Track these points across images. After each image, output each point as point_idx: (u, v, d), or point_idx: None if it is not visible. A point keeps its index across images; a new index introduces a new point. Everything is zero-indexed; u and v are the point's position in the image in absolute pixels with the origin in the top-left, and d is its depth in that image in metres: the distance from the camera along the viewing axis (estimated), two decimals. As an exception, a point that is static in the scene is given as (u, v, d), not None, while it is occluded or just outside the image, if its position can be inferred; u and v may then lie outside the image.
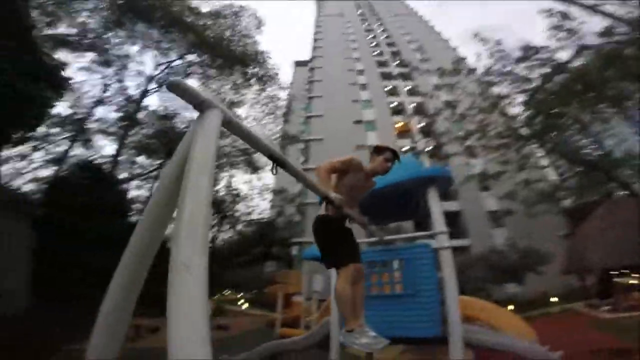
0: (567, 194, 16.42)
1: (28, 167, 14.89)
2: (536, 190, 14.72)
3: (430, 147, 17.25)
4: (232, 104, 18.58)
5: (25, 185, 14.99)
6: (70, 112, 16.16)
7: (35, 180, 15.47)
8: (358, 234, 3.70)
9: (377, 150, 2.45)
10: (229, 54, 17.00)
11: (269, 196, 24.00)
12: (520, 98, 12.31)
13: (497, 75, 12.40)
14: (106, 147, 18.81)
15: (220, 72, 17.68)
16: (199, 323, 0.84)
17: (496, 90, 13.34)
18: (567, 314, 12.11)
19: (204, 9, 19.00)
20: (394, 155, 2.39)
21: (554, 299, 14.95)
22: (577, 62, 11.20)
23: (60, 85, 5.36)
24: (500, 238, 19.85)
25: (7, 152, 12.78)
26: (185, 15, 17.74)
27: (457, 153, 14.74)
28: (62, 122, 15.46)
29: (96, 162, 13.66)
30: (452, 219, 23.56)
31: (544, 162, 15.75)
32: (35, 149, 15.17)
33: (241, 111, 19.25)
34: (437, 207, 3.22)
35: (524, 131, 12.43)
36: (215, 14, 18.76)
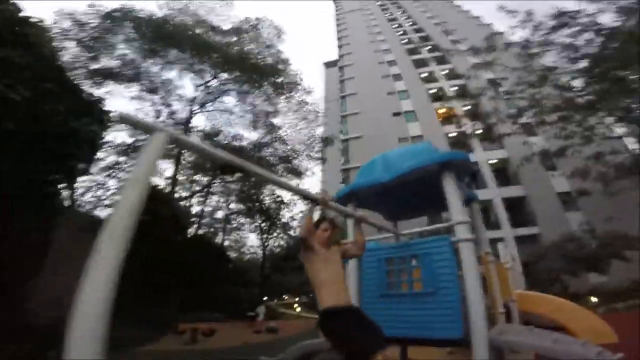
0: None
1: (106, 194, 17.16)
2: (613, 164, 12.57)
3: (480, 130, 15.79)
4: (268, 114, 19.36)
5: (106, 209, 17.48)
6: (133, 140, 18.36)
7: (110, 205, 17.99)
8: (370, 231, 3.52)
9: (315, 223, 2.37)
10: (251, 67, 17.68)
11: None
12: (572, 67, 10.77)
13: (538, 46, 11.13)
14: (167, 169, 20.98)
15: (252, 86, 18.46)
16: (95, 323, 0.94)
17: (542, 62, 12.01)
18: None
19: (226, 26, 20.07)
20: (331, 223, 2.40)
21: None
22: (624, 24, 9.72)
23: (102, 119, 6.06)
24: (576, 223, 17.38)
25: (83, 184, 14.87)
26: (208, 36, 18.91)
27: (512, 132, 13.28)
28: (126, 150, 17.62)
29: (152, 183, 15.21)
30: (517, 204, 21.33)
31: (619, 132, 13.40)
32: (110, 176, 17.51)
33: (277, 120, 19.91)
34: (454, 195, 2.86)
35: (583, 101, 10.81)
36: (237, 30, 19.69)
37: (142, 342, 7.55)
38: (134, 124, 1.34)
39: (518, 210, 21.70)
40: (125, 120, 1.30)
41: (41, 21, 5.73)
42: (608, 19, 10.11)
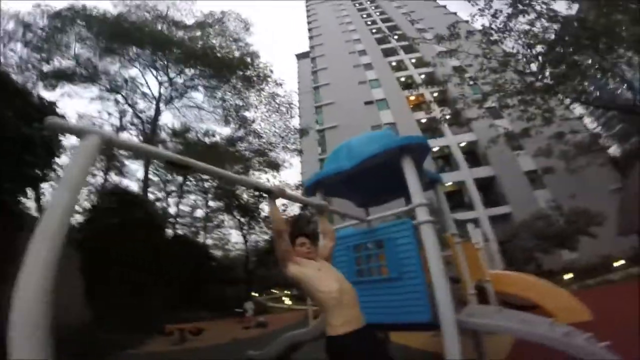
0: (610, 142, 14.89)
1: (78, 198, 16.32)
2: (573, 143, 13.40)
3: (448, 115, 16.32)
4: (239, 108, 18.95)
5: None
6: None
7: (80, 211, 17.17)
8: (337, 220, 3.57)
9: (291, 238, 2.11)
10: (215, 61, 17.24)
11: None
12: (530, 52, 11.33)
13: (497, 32, 11.60)
14: (138, 171, 20.14)
15: (219, 80, 17.98)
16: (37, 323, 0.98)
17: (503, 48, 12.53)
18: (630, 281, 10.88)
19: (189, 21, 19.34)
20: (306, 236, 2.16)
21: (618, 264, 13.53)
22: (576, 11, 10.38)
23: None
24: (543, 200, 18.41)
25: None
26: (170, 32, 18.14)
27: (479, 116, 13.79)
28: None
29: (123, 186, 14.83)
30: (488, 185, 22.31)
31: (578, 113, 14.39)
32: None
33: (249, 114, 19.55)
34: (413, 178, 2.94)
35: (541, 84, 11.43)
36: (201, 25, 19.05)
37: (127, 346, 7.43)
38: (64, 129, 1.31)
39: (490, 190, 22.74)
40: (52, 126, 1.25)
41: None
42: (563, 6, 10.66)
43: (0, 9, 14.26)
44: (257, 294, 23.69)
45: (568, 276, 13.74)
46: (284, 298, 34.19)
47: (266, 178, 19.91)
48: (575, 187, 17.73)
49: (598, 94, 13.30)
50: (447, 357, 2.38)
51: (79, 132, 1.30)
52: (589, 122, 15.35)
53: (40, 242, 1.03)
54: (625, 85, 11.04)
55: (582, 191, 17.56)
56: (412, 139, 3.06)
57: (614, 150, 17.31)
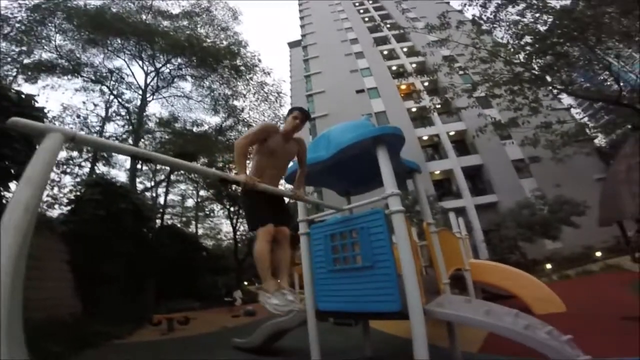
0: (595, 132, 15.13)
1: (62, 192, 15.98)
2: (559, 132, 13.59)
3: (438, 104, 16.35)
4: (228, 98, 18.64)
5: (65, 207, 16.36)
6: (84, 133, 17.06)
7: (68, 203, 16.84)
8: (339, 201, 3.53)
9: (289, 112, 2.56)
10: (201, 51, 16.92)
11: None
12: (518, 42, 11.36)
13: (486, 23, 11.58)
14: (127, 161, 19.79)
15: (206, 70, 17.66)
16: (3, 315, 0.97)
17: (492, 38, 12.54)
18: (609, 272, 11.24)
19: (176, 10, 18.83)
20: (302, 112, 2.54)
21: (599, 254, 13.94)
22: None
23: (35, 116, 5.56)
24: (529, 189, 18.76)
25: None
26: (157, 22, 17.64)
27: (469, 106, 13.82)
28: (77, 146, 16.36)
29: (111, 176, 14.58)
30: (476, 173, 22.61)
31: (565, 103, 14.57)
32: (64, 173, 16.30)
33: (238, 103, 19.28)
34: (386, 168, 2.96)
35: (529, 75, 11.52)
36: (188, 14, 18.55)
37: (116, 336, 7.51)
38: (26, 128, 1.30)
39: (478, 179, 23.07)
40: (15, 125, 1.26)
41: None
42: None
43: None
44: (247, 283, 23.87)
45: (548, 266, 14.12)
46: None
47: None
48: (561, 177, 18.12)
49: (587, 85, 13.43)
50: (414, 346, 2.44)
51: (41, 131, 1.31)
52: (577, 113, 15.57)
53: (3, 237, 1.04)
54: (612, 77, 11.16)
55: (568, 181, 17.99)
56: (386, 129, 3.06)
57: (599, 140, 17.67)
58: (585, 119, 14.68)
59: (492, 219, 17.85)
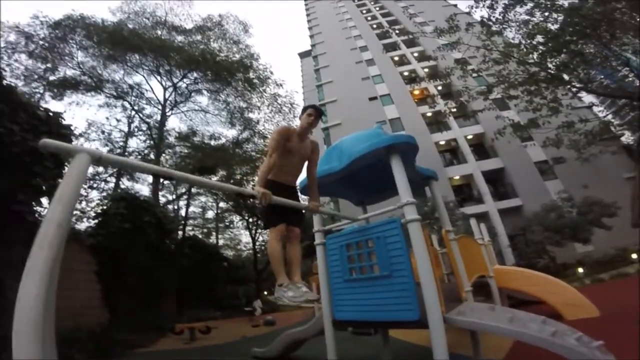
0: (621, 129, 14.42)
1: (90, 206, 16.75)
2: (582, 132, 13.05)
3: (454, 108, 16.09)
4: (243, 110, 19.14)
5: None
6: (108, 149, 17.91)
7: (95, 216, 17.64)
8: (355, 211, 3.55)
9: (303, 110, 2.69)
10: (214, 65, 17.38)
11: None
12: (530, 42, 11.10)
13: (494, 24, 11.42)
14: (150, 176, 20.53)
15: (221, 84, 18.19)
16: (35, 323, 1.04)
17: (503, 39, 12.34)
18: None
19: (188, 25, 19.52)
20: (316, 109, 2.63)
21: (634, 256, 13.11)
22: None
23: (62, 134, 5.93)
24: (555, 191, 18.00)
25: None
26: (171, 36, 18.34)
27: (485, 108, 13.56)
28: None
29: (135, 190, 15.21)
30: (497, 177, 21.95)
31: (586, 101, 14.00)
32: (92, 188, 17.09)
33: (253, 115, 19.74)
34: (401, 177, 2.96)
35: (544, 74, 11.20)
36: (200, 29, 19.22)
37: (140, 345, 7.78)
38: (56, 149, 1.40)
39: (499, 182, 22.38)
40: (45, 147, 1.36)
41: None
42: None
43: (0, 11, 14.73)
44: (266, 293, 23.99)
45: (581, 270, 13.43)
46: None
47: None
48: (588, 177, 17.29)
49: (608, 82, 12.87)
50: (435, 356, 2.41)
51: (70, 152, 1.40)
52: (600, 111, 14.89)
53: (38, 252, 1.14)
54: (632, 73, 10.68)
55: (595, 181, 17.13)
56: (398, 137, 3.08)
57: (626, 138, 16.78)
58: (609, 116, 14.00)
59: (517, 224, 17.22)
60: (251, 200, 2.63)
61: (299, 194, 3.42)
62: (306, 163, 2.82)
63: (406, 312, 2.69)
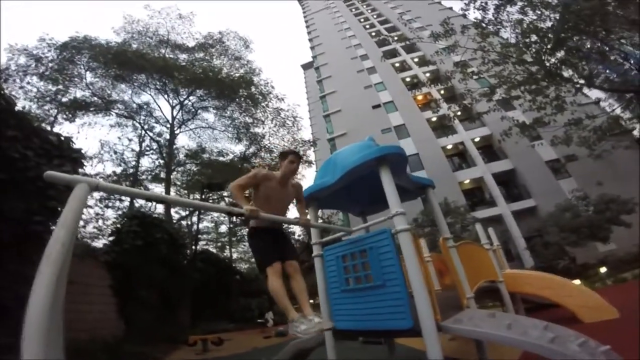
0: (632, 123, 14.01)
1: (106, 224, 17.18)
2: (591, 128, 12.76)
3: (458, 111, 16.02)
4: (248, 126, 19.52)
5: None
6: (121, 169, 18.52)
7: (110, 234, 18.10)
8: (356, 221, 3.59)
9: (281, 156, 2.67)
10: (216, 82, 17.76)
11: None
12: (527, 41, 11.04)
13: (487, 25, 11.45)
14: (162, 193, 21.03)
15: (225, 100, 18.61)
16: (44, 328, 1.15)
17: (499, 40, 12.33)
18: None
19: (190, 43, 20.07)
20: (296, 155, 2.67)
21: None
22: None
23: (73, 158, 6.21)
24: (569, 189, 17.50)
25: (83, 217, 15.01)
26: (175, 55, 18.83)
27: (490, 110, 13.48)
28: (117, 180, 17.76)
29: (145, 209, 15.66)
30: (508, 179, 21.52)
31: (592, 97, 13.73)
32: (107, 207, 17.62)
33: (259, 130, 20.10)
34: (390, 188, 3.02)
35: (543, 73, 11.11)
36: (202, 46, 19.79)
37: (155, 357, 7.93)
38: (59, 181, 1.53)
39: (511, 184, 21.93)
40: (50, 178, 1.51)
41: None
42: None
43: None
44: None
45: (603, 270, 12.91)
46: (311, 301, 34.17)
47: None
48: (603, 174, 16.77)
49: (613, 76, 12.66)
50: (429, 364, 2.39)
51: (70, 182, 1.52)
52: (607, 105, 14.52)
53: (45, 268, 1.27)
54: (636, 66, 10.48)
55: (610, 177, 16.59)
56: (387, 149, 3.14)
57: (638, 131, 16.24)
58: (618, 110, 13.63)
59: (533, 225, 16.76)
60: (239, 218, 2.72)
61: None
62: (295, 205, 2.88)
63: (399, 320, 2.71)
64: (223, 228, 30.13)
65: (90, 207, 16.04)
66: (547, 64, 10.68)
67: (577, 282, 8.19)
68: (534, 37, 10.54)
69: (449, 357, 4.31)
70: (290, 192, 2.69)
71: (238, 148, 20.82)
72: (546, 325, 2.53)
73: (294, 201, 2.95)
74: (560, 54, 10.40)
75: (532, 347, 2.33)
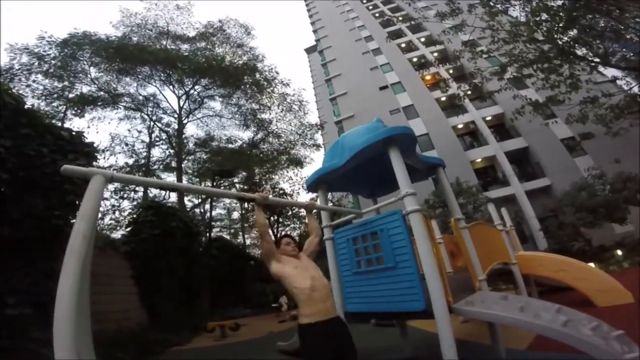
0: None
1: (123, 215, 17.58)
2: (608, 106, 12.24)
3: (468, 91, 15.53)
4: (255, 112, 19.48)
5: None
6: (133, 161, 18.84)
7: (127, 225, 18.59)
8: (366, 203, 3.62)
9: (276, 243, 2.44)
10: (220, 71, 17.63)
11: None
12: (537, 20, 10.48)
13: (497, 3, 10.87)
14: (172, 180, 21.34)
15: (230, 88, 18.52)
16: (71, 325, 1.20)
17: (508, 18, 11.73)
18: None
19: (191, 33, 19.89)
20: (289, 237, 2.52)
21: None
22: None
23: (86, 152, 6.33)
24: (585, 167, 16.95)
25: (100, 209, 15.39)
26: (176, 46, 18.69)
27: (501, 88, 13.04)
28: (130, 171, 18.09)
29: (159, 199, 15.95)
30: (521, 156, 21.02)
31: (611, 75, 13.01)
32: (123, 198, 18.04)
33: (266, 116, 20.06)
34: (400, 168, 2.98)
35: (555, 52, 10.59)
36: (203, 36, 19.57)
37: (176, 344, 8.33)
38: (75, 174, 1.57)
39: (525, 162, 21.42)
40: (66, 172, 1.55)
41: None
42: None
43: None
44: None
45: (620, 253, 12.56)
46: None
47: (289, 176, 20.58)
48: (620, 151, 16.12)
49: (630, 55, 11.98)
50: (441, 346, 2.43)
51: (86, 175, 1.57)
52: (625, 83, 13.78)
53: (70, 260, 1.34)
54: None
55: (629, 155, 15.94)
56: (395, 129, 3.09)
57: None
58: (636, 89, 12.94)
59: (547, 205, 16.35)
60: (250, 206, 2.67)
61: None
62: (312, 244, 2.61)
63: (412, 302, 2.72)
64: (235, 214, 30.62)
65: (107, 199, 16.44)
66: (560, 43, 10.20)
67: (592, 265, 8.04)
68: (544, 16, 10.01)
69: (462, 340, 4.35)
70: (303, 256, 2.47)
71: (246, 134, 20.91)
72: (559, 309, 2.53)
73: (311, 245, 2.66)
74: (573, 32, 9.90)
75: (544, 330, 2.32)
